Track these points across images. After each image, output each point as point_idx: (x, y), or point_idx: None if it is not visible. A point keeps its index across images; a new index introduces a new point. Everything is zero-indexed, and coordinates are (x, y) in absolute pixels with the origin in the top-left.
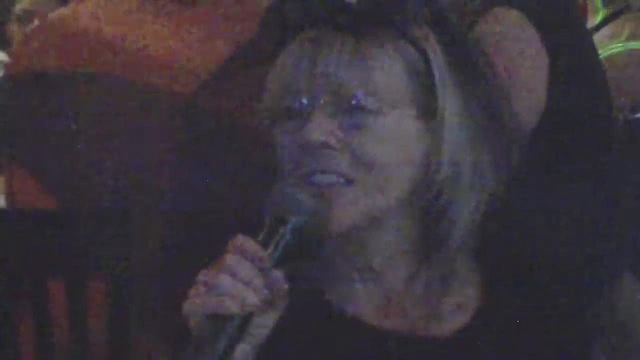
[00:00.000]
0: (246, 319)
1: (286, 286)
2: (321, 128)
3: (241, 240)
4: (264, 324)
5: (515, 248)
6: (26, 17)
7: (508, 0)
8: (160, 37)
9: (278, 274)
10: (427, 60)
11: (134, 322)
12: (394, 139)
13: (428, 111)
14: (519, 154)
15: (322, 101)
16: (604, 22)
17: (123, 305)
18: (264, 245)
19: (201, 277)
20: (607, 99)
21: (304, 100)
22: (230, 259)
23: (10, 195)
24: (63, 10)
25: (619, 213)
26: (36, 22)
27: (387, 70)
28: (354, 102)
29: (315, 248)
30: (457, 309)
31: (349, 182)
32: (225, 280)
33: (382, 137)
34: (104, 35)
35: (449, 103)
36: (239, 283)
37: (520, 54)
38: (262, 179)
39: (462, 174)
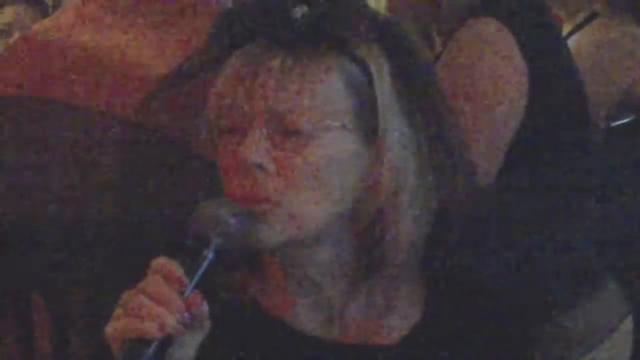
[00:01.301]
0: (165, 342)
1: (206, 309)
2: (256, 149)
3: (162, 262)
4: (187, 346)
5: (459, 264)
6: (7, 30)
7: (485, 10)
8: (142, 49)
9: (197, 297)
10: (370, 80)
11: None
12: (330, 161)
13: (370, 131)
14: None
15: (258, 121)
16: (575, 29)
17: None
18: (186, 266)
19: (122, 299)
20: (584, 106)
21: (242, 119)
22: (150, 281)
23: None
24: (44, 23)
25: (597, 219)
26: (17, 35)
27: (326, 92)
28: (289, 124)
29: (249, 259)
30: (398, 320)
31: (270, 203)
32: (144, 302)
33: (317, 159)
34: (84, 48)
35: (392, 123)
36: (158, 306)
37: (499, 62)
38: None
39: (404, 194)
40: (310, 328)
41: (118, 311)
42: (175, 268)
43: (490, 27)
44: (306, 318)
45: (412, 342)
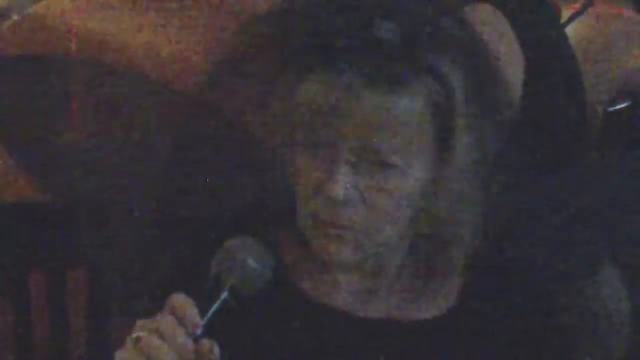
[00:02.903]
0: None
1: (216, 355)
2: (346, 186)
3: (178, 301)
4: None
5: (496, 241)
6: (3, 14)
7: None
8: (144, 30)
9: (209, 344)
10: (450, 96)
11: (114, 313)
12: (410, 190)
13: (443, 145)
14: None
15: (345, 154)
16: (574, 16)
17: (103, 296)
18: (202, 305)
19: (135, 330)
20: (581, 92)
21: (327, 147)
22: (163, 320)
23: None
24: (41, 4)
25: (597, 204)
26: (14, 17)
27: (414, 121)
28: (381, 157)
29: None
30: (438, 297)
31: (350, 229)
32: (154, 342)
33: (405, 189)
34: (85, 29)
35: (463, 142)
36: (167, 348)
37: (496, 47)
38: (258, 184)
39: (466, 202)
40: (345, 304)
41: (130, 342)
42: (191, 310)
43: (486, 13)
44: (340, 295)
45: (446, 320)
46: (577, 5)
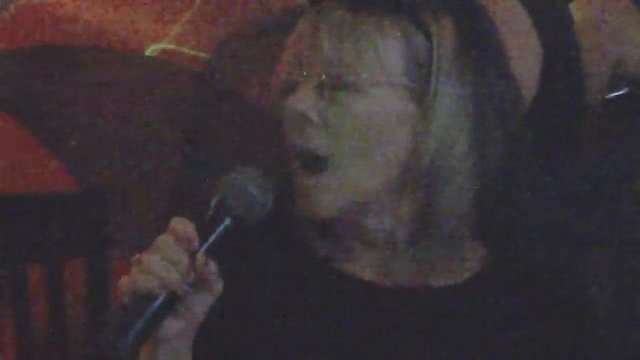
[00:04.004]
0: (169, 299)
1: (213, 271)
2: (303, 99)
3: (177, 221)
4: (195, 306)
5: (511, 226)
6: (3, 6)
7: None
8: (147, 18)
9: (204, 258)
10: (430, 46)
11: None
12: (377, 118)
13: (424, 96)
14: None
15: (311, 74)
16: None
17: (101, 287)
18: (205, 227)
19: (136, 255)
20: (580, 78)
21: (300, 73)
22: (162, 239)
23: None
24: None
25: (595, 193)
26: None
27: (380, 49)
28: (339, 77)
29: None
30: (457, 269)
31: (323, 166)
32: (152, 259)
33: (364, 114)
34: (87, 18)
35: (446, 88)
36: (165, 263)
37: (514, 36)
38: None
39: (452, 164)
40: (364, 274)
41: (132, 264)
42: (189, 229)
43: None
44: (364, 267)
45: (467, 289)
46: None
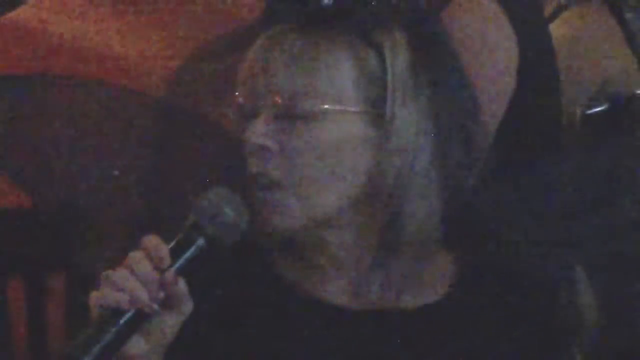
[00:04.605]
0: (137, 316)
1: (183, 290)
2: (261, 129)
3: (149, 238)
4: (164, 325)
5: (482, 235)
6: None
7: None
8: (118, 36)
9: (173, 276)
10: (384, 64)
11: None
12: (336, 144)
13: (381, 114)
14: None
15: (267, 102)
16: (555, 12)
17: (82, 303)
18: (178, 247)
19: (109, 271)
20: (558, 91)
21: (257, 101)
22: (132, 255)
23: None
24: (15, 12)
25: (571, 207)
26: None
27: (334, 76)
28: (294, 106)
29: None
30: (427, 287)
31: (280, 187)
32: (122, 275)
33: (322, 143)
34: (59, 36)
35: (403, 108)
36: (134, 279)
37: (490, 39)
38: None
39: (414, 178)
40: (334, 298)
41: (102, 280)
42: (160, 247)
43: (481, 1)
44: (331, 290)
45: (435, 310)
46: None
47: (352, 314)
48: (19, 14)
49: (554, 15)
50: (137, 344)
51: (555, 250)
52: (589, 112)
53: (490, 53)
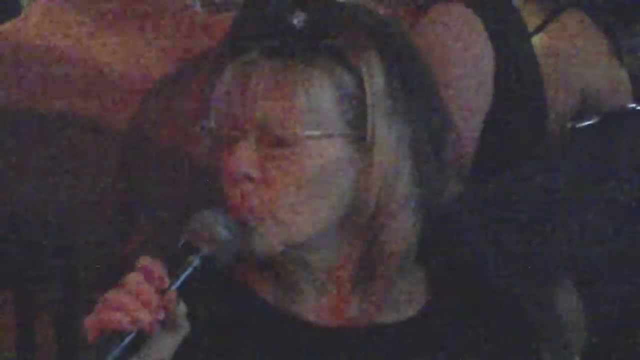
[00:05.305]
0: (138, 337)
1: (182, 310)
2: (244, 159)
3: (146, 260)
4: (162, 346)
5: (457, 248)
6: None
7: None
8: (106, 52)
9: (174, 297)
10: (362, 86)
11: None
12: (319, 169)
13: (361, 136)
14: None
15: (248, 130)
16: (545, 21)
17: (69, 317)
18: (172, 268)
19: (106, 293)
20: (543, 102)
21: (235, 128)
22: (131, 277)
23: None
24: (6, 25)
25: (558, 218)
26: None
27: (314, 101)
28: (274, 133)
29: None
30: (403, 303)
31: (260, 215)
32: (122, 297)
33: (304, 169)
34: (49, 49)
35: (383, 129)
36: (135, 300)
37: (467, 45)
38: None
39: (396, 197)
40: (313, 317)
41: (98, 305)
42: (158, 267)
43: (458, 11)
44: (308, 307)
45: (413, 324)
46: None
47: (331, 331)
48: (11, 26)
49: (540, 28)
50: None
51: (532, 263)
52: (579, 124)
53: (465, 62)
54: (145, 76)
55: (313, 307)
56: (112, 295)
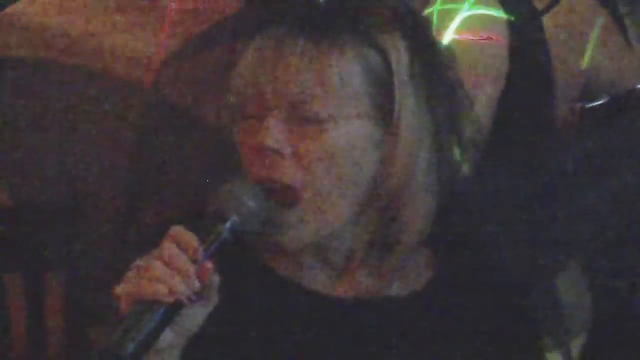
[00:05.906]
0: (174, 307)
1: (216, 280)
2: (274, 134)
3: (178, 230)
4: (194, 316)
5: (462, 227)
6: None
7: None
8: (115, 28)
9: (209, 265)
10: (389, 67)
11: (90, 316)
12: (347, 148)
13: (387, 117)
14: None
15: (277, 107)
16: (549, 6)
17: (80, 299)
18: (202, 238)
19: (137, 262)
20: (551, 83)
21: (263, 104)
22: (165, 247)
23: None
24: (15, 6)
25: (566, 204)
26: None
27: (344, 79)
28: (307, 111)
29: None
30: (409, 278)
31: (295, 194)
32: (157, 266)
33: (334, 146)
34: (56, 27)
35: (407, 110)
36: (171, 271)
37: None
38: (220, 173)
39: (418, 175)
40: (321, 286)
41: (130, 274)
42: (191, 237)
43: None
44: (315, 277)
45: (420, 297)
46: None
47: (338, 300)
48: (17, 8)
49: (547, 9)
50: (165, 336)
51: (537, 244)
52: (589, 105)
53: (482, 45)
54: (152, 54)
55: (320, 277)
56: (147, 265)
